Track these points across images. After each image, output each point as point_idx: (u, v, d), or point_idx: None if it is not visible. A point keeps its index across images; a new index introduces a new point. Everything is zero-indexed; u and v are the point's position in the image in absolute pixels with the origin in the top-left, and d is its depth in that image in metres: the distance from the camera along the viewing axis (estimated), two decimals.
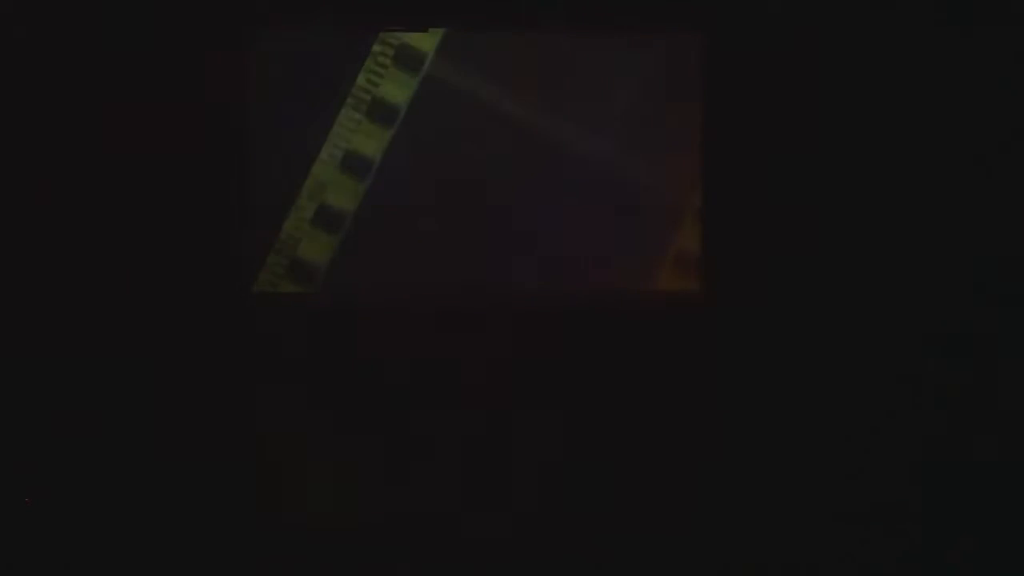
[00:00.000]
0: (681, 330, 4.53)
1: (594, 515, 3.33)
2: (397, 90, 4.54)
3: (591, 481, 3.57)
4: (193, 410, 4.11)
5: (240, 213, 4.45)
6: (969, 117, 4.44)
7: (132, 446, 3.71)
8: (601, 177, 4.59)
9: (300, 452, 3.97)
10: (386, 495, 3.52)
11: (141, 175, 4.35)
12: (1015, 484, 3.49)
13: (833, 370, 4.36)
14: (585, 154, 4.58)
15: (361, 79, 4.53)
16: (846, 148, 4.49)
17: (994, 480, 3.54)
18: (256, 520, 3.36)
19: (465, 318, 4.54)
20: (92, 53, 4.29)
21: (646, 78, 4.58)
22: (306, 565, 3.16)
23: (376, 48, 4.53)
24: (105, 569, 3.08)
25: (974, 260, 4.44)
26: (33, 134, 4.28)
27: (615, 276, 4.62)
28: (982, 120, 4.44)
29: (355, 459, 3.85)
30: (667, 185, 4.62)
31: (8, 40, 4.25)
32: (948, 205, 4.45)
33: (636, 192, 4.60)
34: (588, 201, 4.59)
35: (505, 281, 4.60)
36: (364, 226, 4.55)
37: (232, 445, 3.93)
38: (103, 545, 3.12)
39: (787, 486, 3.46)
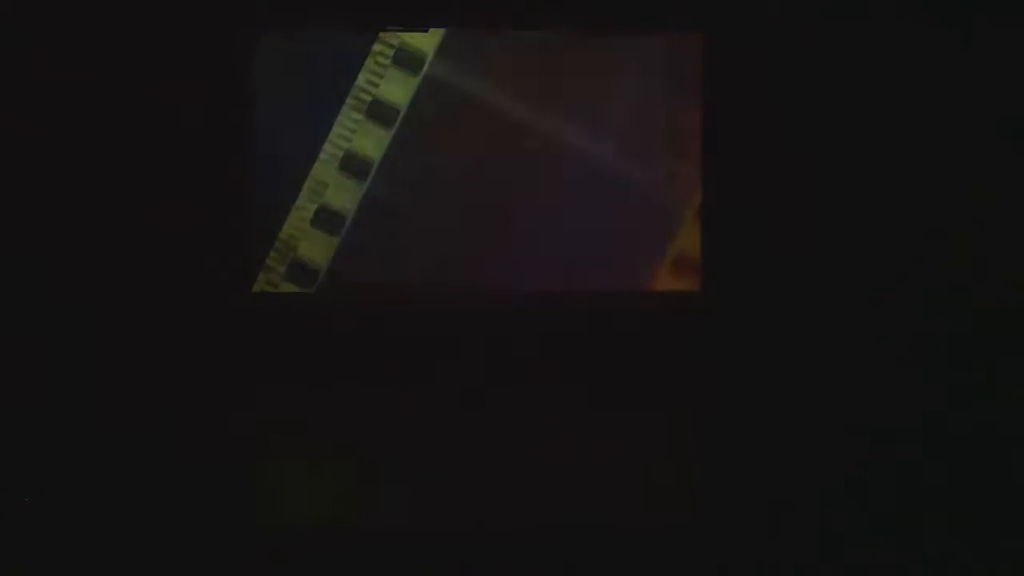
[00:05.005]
0: (681, 330, 4.54)
1: (593, 514, 3.32)
2: (397, 90, 4.55)
3: (591, 480, 3.57)
4: (193, 409, 4.11)
5: (240, 213, 4.45)
6: (969, 117, 4.45)
7: (132, 444, 3.70)
8: (601, 177, 4.60)
9: (300, 451, 3.97)
10: (386, 494, 3.51)
11: (141, 175, 4.35)
12: (1015, 485, 3.49)
13: (832, 369, 4.37)
14: (585, 154, 4.58)
15: (361, 79, 4.53)
16: (845, 148, 4.50)
17: (993, 479, 3.53)
18: (256, 519, 3.35)
19: (465, 318, 4.55)
20: (93, 53, 4.29)
21: (646, 78, 4.59)
22: (306, 565, 3.15)
23: (376, 48, 4.53)
24: (105, 569, 3.07)
25: (973, 260, 4.44)
26: (34, 135, 4.28)
27: (615, 277, 4.63)
28: (982, 121, 4.45)
29: (355, 458, 3.85)
30: (667, 185, 4.62)
31: (9, 40, 4.25)
32: (947, 205, 4.46)
33: (636, 192, 4.61)
34: (588, 201, 4.59)
35: (505, 281, 4.61)
36: (364, 226, 4.55)
37: (232, 444, 3.92)
38: (103, 544, 3.11)
39: (786, 484, 3.46)
